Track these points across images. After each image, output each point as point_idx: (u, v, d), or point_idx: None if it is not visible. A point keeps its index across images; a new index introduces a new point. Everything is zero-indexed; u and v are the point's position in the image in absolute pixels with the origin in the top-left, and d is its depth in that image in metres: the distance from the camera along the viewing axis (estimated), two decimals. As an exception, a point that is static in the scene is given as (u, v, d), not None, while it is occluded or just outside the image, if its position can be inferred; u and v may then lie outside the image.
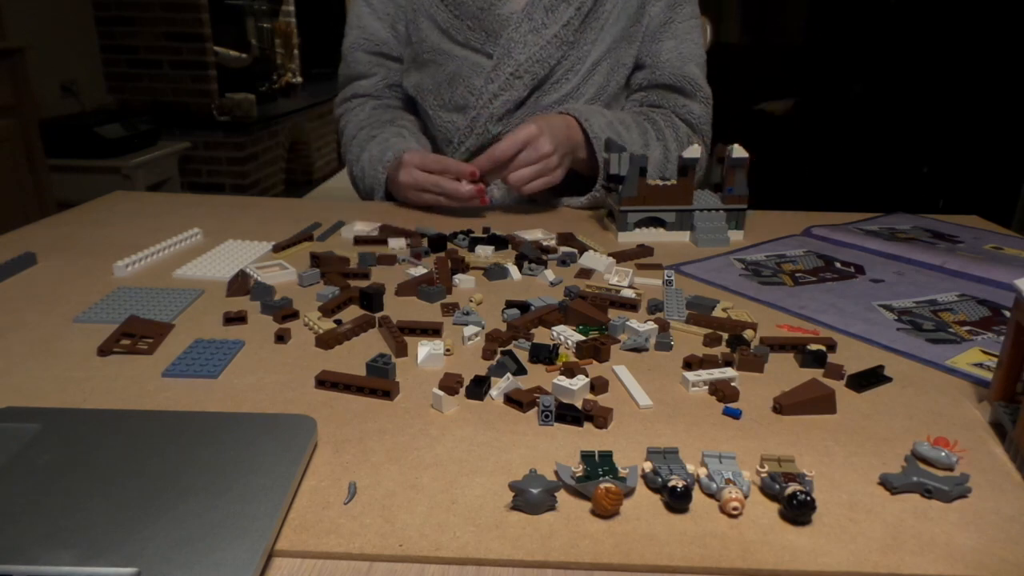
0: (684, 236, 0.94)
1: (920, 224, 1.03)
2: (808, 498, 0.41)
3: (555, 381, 0.54)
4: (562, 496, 0.43)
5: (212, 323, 0.66)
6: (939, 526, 0.41)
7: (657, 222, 0.94)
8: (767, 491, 0.43)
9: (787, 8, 3.14)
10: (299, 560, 0.38)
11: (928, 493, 0.43)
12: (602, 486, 0.41)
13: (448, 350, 0.60)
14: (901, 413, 0.53)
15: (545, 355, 0.59)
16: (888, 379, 0.58)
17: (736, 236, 0.94)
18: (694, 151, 0.90)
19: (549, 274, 0.78)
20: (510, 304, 0.69)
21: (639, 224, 0.93)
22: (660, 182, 0.91)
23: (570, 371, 0.56)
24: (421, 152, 1.03)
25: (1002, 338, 0.60)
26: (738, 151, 0.91)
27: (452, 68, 1.09)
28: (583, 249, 0.85)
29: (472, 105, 1.09)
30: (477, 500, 0.42)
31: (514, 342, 0.62)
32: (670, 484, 0.42)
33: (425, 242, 0.89)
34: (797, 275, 0.81)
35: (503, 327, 0.65)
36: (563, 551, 0.39)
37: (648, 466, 0.44)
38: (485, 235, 0.91)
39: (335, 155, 5.44)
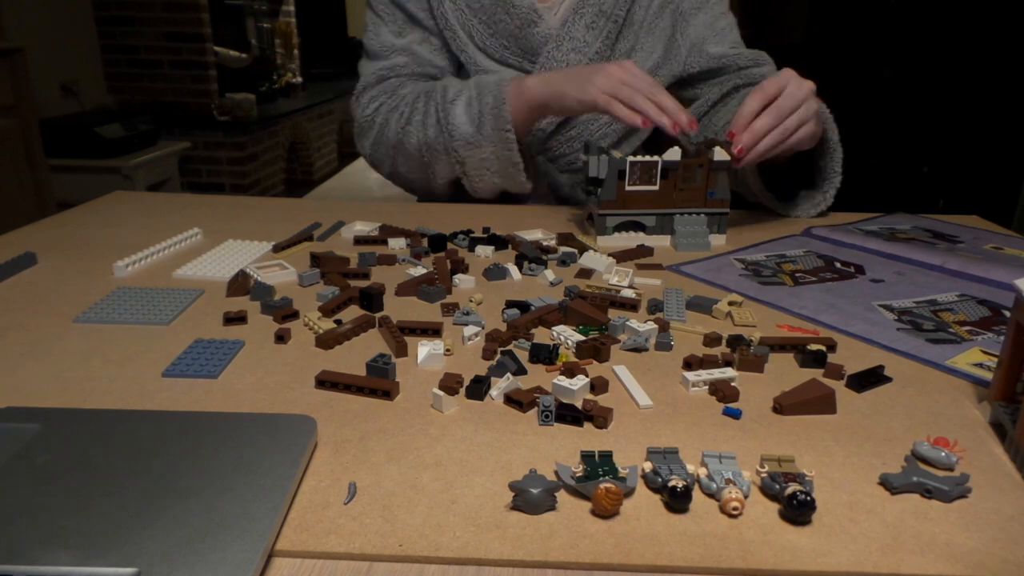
0: (665, 240, 0.92)
1: (920, 224, 1.03)
2: (808, 498, 0.41)
3: (555, 381, 0.54)
4: (562, 496, 0.43)
5: (212, 323, 0.66)
6: (939, 526, 0.41)
7: (637, 226, 0.92)
8: (767, 491, 0.43)
9: (787, 8, 3.14)
10: (299, 560, 0.38)
11: (928, 493, 0.43)
12: (602, 486, 0.41)
13: (448, 350, 0.60)
14: (901, 413, 0.53)
15: (545, 355, 0.59)
16: (888, 379, 0.58)
17: (718, 241, 0.92)
18: (674, 154, 0.88)
19: (549, 274, 0.78)
20: (510, 304, 0.69)
21: (618, 228, 0.91)
22: (640, 187, 0.89)
23: (570, 371, 0.56)
24: None
25: (1002, 338, 0.60)
26: (719, 154, 0.88)
27: None
28: (583, 249, 0.85)
29: None
30: (477, 500, 0.42)
31: (514, 342, 0.62)
32: (670, 484, 0.42)
33: (425, 242, 0.89)
34: (797, 275, 0.81)
35: (503, 327, 0.65)
36: (563, 551, 0.39)
37: (648, 466, 0.44)
38: (485, 235, 0.91)
39: (335, 155, 5.44)
